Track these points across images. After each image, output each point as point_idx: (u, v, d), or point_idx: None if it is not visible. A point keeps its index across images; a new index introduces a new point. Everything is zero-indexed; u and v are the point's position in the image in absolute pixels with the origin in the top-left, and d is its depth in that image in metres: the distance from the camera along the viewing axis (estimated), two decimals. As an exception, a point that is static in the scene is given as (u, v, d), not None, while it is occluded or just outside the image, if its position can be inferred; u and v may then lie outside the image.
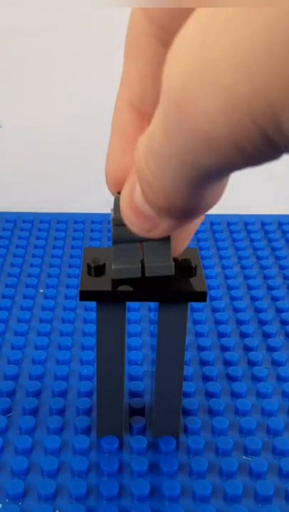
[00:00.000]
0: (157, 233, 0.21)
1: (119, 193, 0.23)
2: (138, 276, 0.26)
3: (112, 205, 0.25)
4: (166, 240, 0.26)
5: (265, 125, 0.12)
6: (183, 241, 0.26)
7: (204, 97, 0.13)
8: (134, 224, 0.21)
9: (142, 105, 0.22)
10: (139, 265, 0.26)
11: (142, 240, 0.26)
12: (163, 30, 0.20)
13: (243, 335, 0.39)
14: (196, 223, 0.26)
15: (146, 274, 0.26)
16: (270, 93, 0.11)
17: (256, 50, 0.11)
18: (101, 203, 0.47)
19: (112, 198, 0.24)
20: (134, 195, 0.20)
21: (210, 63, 0.12)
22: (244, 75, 0.11)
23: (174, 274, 0.26)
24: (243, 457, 0.30)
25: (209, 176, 0.15)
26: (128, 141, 0.22)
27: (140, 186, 0.19)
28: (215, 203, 0.19)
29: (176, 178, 0.16)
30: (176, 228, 0.21)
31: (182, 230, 0.24)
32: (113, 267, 0.26)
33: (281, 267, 0.46)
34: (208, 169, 0.15)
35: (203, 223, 0.52)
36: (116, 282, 0.26)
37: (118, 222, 0.24)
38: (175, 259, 0.27)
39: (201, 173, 0.15)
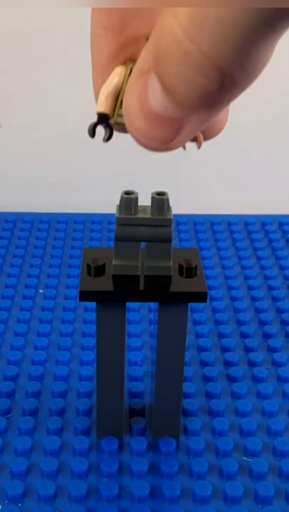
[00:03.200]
0: (181, 140, 0.17)
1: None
2: (137, 273, 0.27)
3: (113, 205, 0.25)
4: (166, 241, 0.26)
5: None
6: (223, 116, 0.22)
7: None
8: (151, 136, 0.17)
9: (121, 30, 0.20)
10: (139, 263, 0.27)
11: (143, 240, 0.26)
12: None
13: (244, 335, 0.38)
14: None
15: (146, 273, 0.27)
16: None
17: None
18: (101, 203, 0.47)
19: (113, 198, 0.24)
20: (149, 100, 0.17)
21: None
22: None
23: (171, 275, 0.27)
24: (244, 458, 0.30)
25: (273, 27, 0.14)
26: (108, 68, 0.21)
27: (167, 79, 0.16)
28: (262, 70, 0.16)
29: (238, 41, 0.14)
30: (204, 125, 0.17)
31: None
32: (114, 262, 0.26)
33: (281, 268, 0.46)
34: (276, 21, 0.13)
35: (203, 223, 0.52)
36: (116, 279, 0.26)
37: (122, 222, 0.25)
38: (175, 260, 0.27)
39: (267, 24, 0.13)
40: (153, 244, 0.27)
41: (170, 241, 0.26)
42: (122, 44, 0.20)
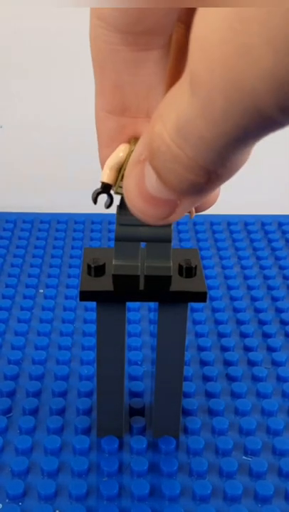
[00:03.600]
0: (176, 217, 0.20)
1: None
2: (137, 273, 0.27)
3: (113, 205, 0.25)
4: (166, 241, 0.26)
5: None
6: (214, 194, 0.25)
7: (250, 78, 0.14)
8: (149, 214, 0.20)
9: (122, 113, 0.22)
10: (139, 263, 0.27)
11: (143, 240, 0.26)
12: (127, 35, 0.20)
13: (243, 335, 0.39)
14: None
15: (146, 273, 0.27)
16: None
17: (286, 37, 0.13)
18: (101, 203, 0.47)
19: (116, 199, 0.25)
20: (146, 185, 0.19)
21: (248, 49, 0.13)
22: (282, 58, 0.13)
23: (171, 275, 0.27)
24: (243, 457, 0.30)
25: (255, 137, 0.16)
26: (112, 142, 0.23)
27: (161, 171, 0.18)
28: (244, 164, 0.18)
29: (219, 150, 0.16)
30: (196, 204, 0.20)
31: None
32: (114, 262, 0.27)
33: (281, 267, 0.46)
34: (255, 134, 0.15)
35: (203, 223, 0.52)
36: (116, 279, 0.27)
37: (122, 221, 0.25)
38: (175, 260, 0.27)
39: (246, 138, 0.15)
40: (153, 245, 0.27)
41: (170, 241, 0.27)
42: (123, 124, 0.22)
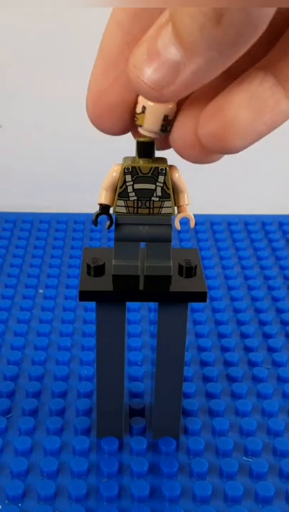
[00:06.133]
0: (174, 90, 0.19)
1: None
2: (137, 274, 0.27)
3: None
4: (166, 241, 0.26)
5: None
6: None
7: None
8: (150, 76, 0.19)
9: (131, 26, 0.21)
10: (138, 263, 0.27)
11: (143, 240, 0.26)
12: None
13: (244, 335, 0.38)
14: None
15: (146, 273, 0.27)
16: None
17: None
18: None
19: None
20: (156, 42, 0.19)
21: None
22: None
23: (171, 275, 0.27)
24: (244, 458, 0.30)
25: None
26: (111, 64, 0.21)
27: (178, 19, 0.18)
28: (269, 19, 0.18)
29: None
30: (198, 76, 0.19)
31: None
32: (113, 262, 0.27)
33: (281, 268, 0.46)
34: None
35: (203, 223, 0.52)
36: (116, 279, 0.27)
37: (122, 221, 0.26)
38: (175, 260, 0.27)
39: None
40: (153, 244, 0.27)
41: (170, 241, 0.27)
42: (128, 42, 0.21)
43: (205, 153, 0.22)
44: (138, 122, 0.22)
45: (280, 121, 0.20)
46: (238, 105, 0.20)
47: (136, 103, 0.22)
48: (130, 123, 0.22)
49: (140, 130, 0.23)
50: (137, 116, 0.22)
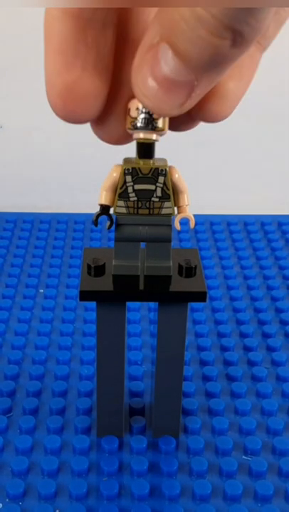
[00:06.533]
0: (192, 102, 0.19)
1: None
2: (137, 274, 0.27)
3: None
4: (166, 241, 0.27)
5: None
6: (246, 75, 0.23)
7: None
8: (165, 101, 0.19)
9: (80, 10, 0.19)
10: (138, 263, 0.27)
11: (143, 240, 0.26)
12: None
13: (243, 335, 0.39)
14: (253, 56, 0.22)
15: (146, 273, 0.27)
16: None
17: None
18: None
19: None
20: (161, 67, 0.18)
21: None
22: None
23: (171, 275, 0.27)
24: (243, 457, 0.30)
25: None
26: (70, 54, 0.20)
27: (181, 45, 0.17)
28: (266, 24, 0.18)
29: (246, 5, 0.16)
30: (212, 84, 0.19)
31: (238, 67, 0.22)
32: (114, 262, 0.27)
33: (281, 267, 0.46)
34: None
35: (203, 223, 0.52)
36: (116, 279, 0.27)
37: (122, 221, 0.26)
38: (175, 260, 0.27)
39: None
40: (153, 245, 0.27)
41: (170, 241, 0.27)
42: (82, 26, 0.20)
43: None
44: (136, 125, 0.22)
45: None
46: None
47: (128, 108, 0.22)
48: (102, 107, 0.22)
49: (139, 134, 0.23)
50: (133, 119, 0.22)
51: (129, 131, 0.23)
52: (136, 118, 0.22)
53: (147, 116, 0.23)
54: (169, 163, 0.25)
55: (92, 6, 0.19)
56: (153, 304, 0.35)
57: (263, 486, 0.28)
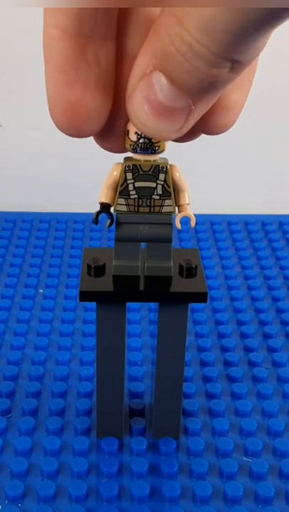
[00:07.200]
0: (189, 125, 0.19)
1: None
2: (137, 274, 0.27)
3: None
4: (167, 241, 0.26)
5: None
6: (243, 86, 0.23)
7: None
8: (163, 128, 0.19)
9: (80, 28, 0.19)
10: (139, 264, 0.27)
11: (143, 240, 0.26)
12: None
13: (244, 335, 0.38)
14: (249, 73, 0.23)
15: (146, 274, 0.27)
16: None
17: None
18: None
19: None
20: (157, 95, 0.18)
21: None
22: None
23: (172, 275, 0.27)
24: (244, 458, 0.30)
25: (281, 19, 0.16)
26: (72, 73, 0.20)
27: (177, 75, 0.17)
28: (263, 48, 0.18)
29: (245, 40, 0.16)
30: (209, 105, 0.20)
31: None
32: (114, 263, 0.27)
33: (281, 268, 0.46)
34: (283, 16, 0.15)
35: (203, 223, 0.52)
36: (116, 279, 0.26)
37: (122, 221, 0.26)
38: (176, 260, 0.27)
39: (274, 20, 0.16)
40: (153, 245, 0.27)
41: (170, 241, 0.27)
42: (82, 44, 0.20)
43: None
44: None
45: None
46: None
47: (127, 129, 0.23)
48: (106, 121, 0.22)
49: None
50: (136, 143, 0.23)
51: (129, 152, 0.24)
52: (135, 142, 0.23)
53: (146, 141, 0.23)
54: (170, 162, 0.25)
55: (92, 6, 0.19)
56: (153, 305, 0.35)
57: (264, 488, 0.28)
